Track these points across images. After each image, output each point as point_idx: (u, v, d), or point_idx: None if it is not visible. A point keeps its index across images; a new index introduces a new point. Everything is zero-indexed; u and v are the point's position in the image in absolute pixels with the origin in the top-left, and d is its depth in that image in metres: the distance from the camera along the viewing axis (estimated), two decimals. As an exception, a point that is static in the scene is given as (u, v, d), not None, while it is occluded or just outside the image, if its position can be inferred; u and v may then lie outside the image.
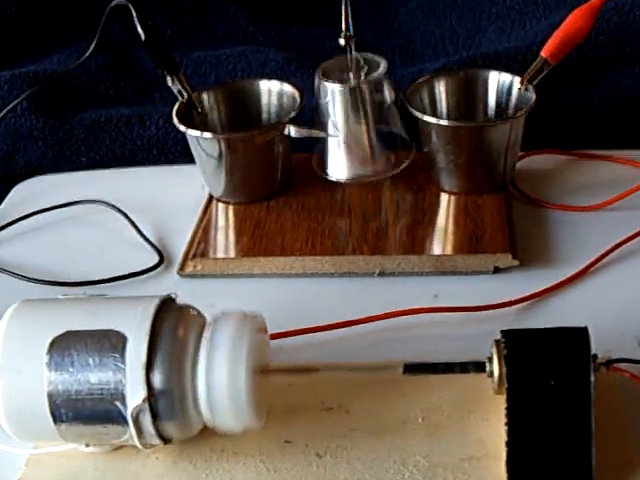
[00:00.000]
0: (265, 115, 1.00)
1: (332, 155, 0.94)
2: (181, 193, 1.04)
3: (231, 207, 0.96)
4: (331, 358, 0.77)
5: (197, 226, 0.94)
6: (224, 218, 0.95)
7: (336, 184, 0.95)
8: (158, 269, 0.91)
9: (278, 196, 0.97)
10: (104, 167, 1.13)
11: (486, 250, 0.85)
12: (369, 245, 0.87)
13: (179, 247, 0.93)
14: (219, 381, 0.60)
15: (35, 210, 1.03)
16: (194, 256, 0.89)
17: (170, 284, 0.89)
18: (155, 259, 0.92)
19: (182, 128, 0.92)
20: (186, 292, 0.83)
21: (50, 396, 0.60)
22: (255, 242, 0.89)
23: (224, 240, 0.92)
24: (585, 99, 1.11)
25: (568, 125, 1.09)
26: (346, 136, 0.92)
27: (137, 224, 0.98)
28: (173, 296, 0.65)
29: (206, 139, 0.92)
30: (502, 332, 0.64)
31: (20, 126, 1.14)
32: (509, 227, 0.88)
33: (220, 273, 0.89)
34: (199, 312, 0.65)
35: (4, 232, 1.01)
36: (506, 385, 0.61)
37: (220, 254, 0.90)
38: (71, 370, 0.60)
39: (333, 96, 0.91)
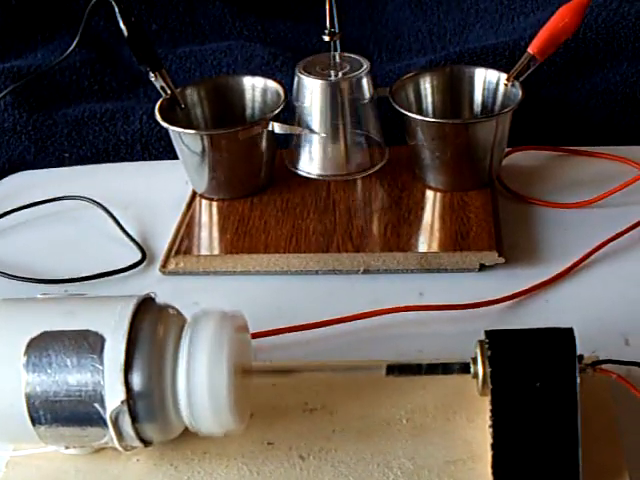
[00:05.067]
0: (249, 111, 0.99)
1: (306, 151, 0.94)
2: (164, 189, 1.03)
3: (215, 203, 0.95)
4: (315, 357, 0.76)
5: (180, 223, 0.93)
6: (207, 214, 0.94)
7: (320, 181, 0.94)
8: (140, 266, 0.90)
9: (262, 193, 0.96)
10: (87, 163, 1.12)
11: (472, 248, 0.84)
12: (354, 242, 0.87)
13: (162, 244, 0.92)
14: (199, 383, 0.59)
15: (17, 206, 1.01)
16: (177, 253, 0.88)
17: (152, 281, 0.88)
18: (137, 256, 0.91)
19: (165, 124, 0.91)
20: (168, 290, 0.84)
21: (28, 398, 0.59)
22: (239, 239, 0.88)
23: (207, 237, 0.91)
24: (572, 95, 1.10)
25: (555, 121, 1.08)
26: (323, 133, 0.91)
27: (119, 220, 0.97)
28: (152, 295, 0.64)
29: (189, 135, 0.91)
30: (486, 332, 0.63)
31: (3, 121, 1.13)
32: (495, 224, 0.88)
33: (203, 270, 0.88)
34: (178, 312, 0.64)
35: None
36: (490, 386, 0.60)
37: (203, 251, 0.88)
38: (49, 371, 0.59)
39: (312, 92, 0.90)
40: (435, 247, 0.85)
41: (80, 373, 0.59)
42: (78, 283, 0.88)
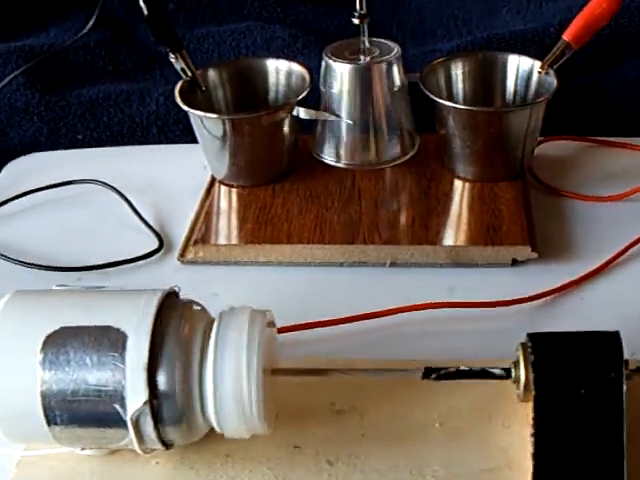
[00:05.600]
0: (272, 95, 0.95)
1: (333, 138, 0.90)
2: (182, 174, 1.00)
3: (234, 190, 0.92)
4: (340, 354, 0.73)
5: (199, 210, 0.89)
6: (227, 202, 0.90)
7: (344, 169, 0.90)
8: (157, 255, 0.86)
9: (284, 180, 0.92)
10: (101, 145, 1.09)
11: (504, 242, 0.81)
12: (381, 234, 0.83)
13: (179, 231, 0.89)
14: (228, 385, 0.56)
15: (29, 189, 0.98)
16: (196, 242, 0.85)
17: (170, 271, 0.85)
18: (154, 243, 0.88)
19: (185, 107, 0.88)
20: (187, 279, 0.82)
21: (44, 397, 0.56)
22: (260, 228, 0.85)
23: (228, 225, 0.87)
24: (603, 84, 1.07)
25: (585, 111, 1.05)
26: (351, 120, 0.88)
27: (135, 206, 0.93)
28: (176, 289, 0.61)
29: (211, 119, 0.87)
30: (529, 335, 0.59)
31: (15, 101, 1.10)
32: (527, 217, 0.84)
33: (223, 260, 0.84)
34: (203, 308, 0.61)
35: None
36: (533, 393, 0.57)
37: (223, 240, 0.85)
38: (67, 369, 0.56)
39: (342, 77, 0.87)
40: (465, 241, 0.82)
41: (100, 372, 0.56)
42: (92, 271, 0.85)
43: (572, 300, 0.78)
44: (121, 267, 0.85)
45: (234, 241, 0.85)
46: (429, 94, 0.86)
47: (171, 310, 0.58)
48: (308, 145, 0.93)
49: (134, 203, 0.94)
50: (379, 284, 0.82)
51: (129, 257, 0.86)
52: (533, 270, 0.81)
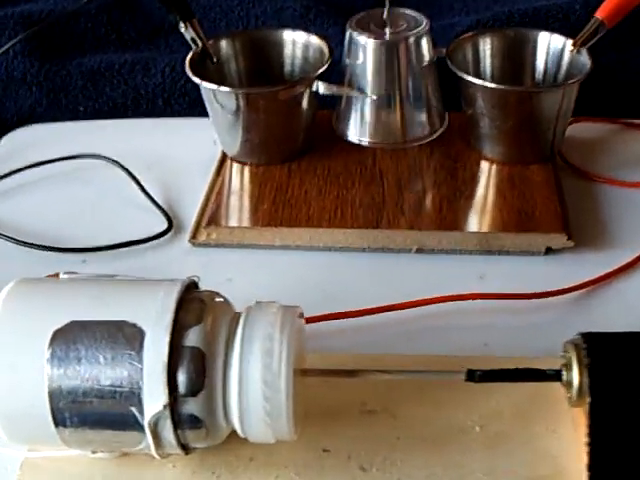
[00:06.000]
0: (288, 68, 0.90)
1: (355, 115, 0.85)
2: (190, 149, 0.94)
3: (247, 168, 0.87)
4: (364, 347, 0.68)
5: (210, 189, 0.84)
6: (240, 181, 0.85)
7: (364, 147, 0.85)
8: (167, 236, 0.81)
9: (300, 158, 0.87)
10: (104, 117, 1.03)
11: (538, 229, 0.76)
12: (406, 218, 0.78)
13: (188, 211, 0.84)
14: (255, 388, 0.51)
15: (27, 164, 0.92)
16: (208, 223, 0.79)
17: (179, 253, 0.80)
18: (162, 224, 0.82)
19: (197, 80, 0.82)
20: (198, 263, 0.78)
21: (52, 396, 0.51)
22: (277, 210, 0.80)
23: (242, 206, 0.82)
24: (633, 63, 1.01)
25: (616, 91, 0.99)
26: (376, 96, 0.82)
27: (142, 183, 0.87)
28: (195, 280, 0.56)
29: (224, 93, 0.82)
30: (583, 335, 0.55)
31: (13, 70, 1.04)
32: (560, 203, 0.79)
33: (237, 243, 0.79)
34: (227, 300, 0.56)
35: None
36: (588, 399, 0.52)
37: (237, 222, 0.80)
38: (77, 368, 0.51)
39: (366, 50, 0.81)
40: (497, 227, 0.77)
41: (115, 371, 0.50)
42: (97, 253, 0.80)
43: (610, 292, 0.74)
44: (128, 249, 0.80)
45: (249, 223, 0.80)
46: (457, 71, 0.81)
47: (192, 303, 0.53)
48: (325, 122, 0.87)
49: (140, 180, 0.88)
50: (404, 271, 0.77)
51: (136, 238, 0.81)
52: (567, 260, 0.77)
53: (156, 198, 0.86)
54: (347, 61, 0.83)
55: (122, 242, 0.80)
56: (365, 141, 0.85)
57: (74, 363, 0.50)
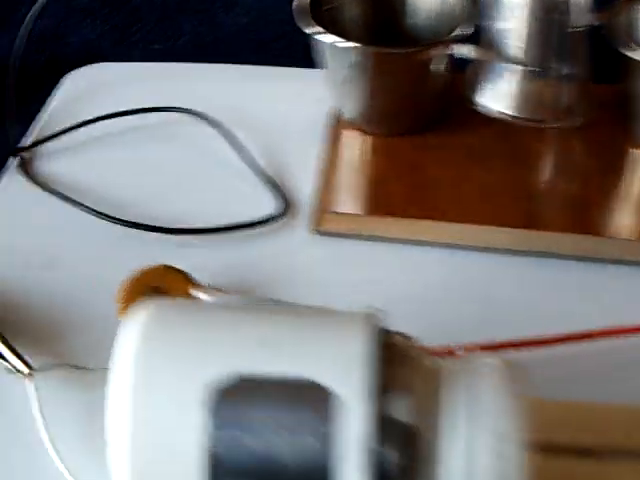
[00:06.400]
0: (417, 24, 0.76)
1: (497, 84, 0.71)
2: (292, 105, 0.80)
3: (369, 140, 0.73)
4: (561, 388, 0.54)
5: (328, 164, 0.71)
6: (362, 155, 0.72)
7: (509, 124, 0.71)
8: (282, 219, 0.68)
9: (430, 131, 0.73)
10: (183, 60, 0.88)
11: None
12: (576, 218, 0.65)
13: (298, 184, 0.72)
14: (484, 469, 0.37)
15: (96, 116, 0.78)
16: (334, 210, 0.66)
17: (299, 244, 0.67)
18: (267, 200, 0.69)
19: (308, 30, 0.68)
20: (325, 258, 0.66)
21: (211, 466, 0.37)
22: (416, 197, 0.67)
23: (370, 189, 0.69)
24: None
25: None
26: (524, 64, 0.69)
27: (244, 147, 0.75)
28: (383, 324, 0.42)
29: (345, 49, 0.68)
30: None
31: (73, -1, 0.90)
32: None
33: (368, 235, 0.66)
34: (426, 350, 0.42)
35: (54, 142, 0.77)
36: None
37: (366, 210, 0.68)
38: (246, 434, 0.37)
39: (513, 11, 0.67)
40: None
41: (298, 445, 0.37)
42: (198, 236, 0.66)
43: None
44: (233, 233, 0.66)
45: (383, 211, 0.66)
46: (617, 44, 0.67)
47: (395, 358, 0.39)
48: (460, 90, 0.74)
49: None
50: (578, 284, 0.63)
51: (240, 217, 0.67)
52: None
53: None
54: (490, 22, 0.68)
55: (228, 225, 0.66)
56: (507, 114, 0.71)
57: (242, 426, 0.37)
